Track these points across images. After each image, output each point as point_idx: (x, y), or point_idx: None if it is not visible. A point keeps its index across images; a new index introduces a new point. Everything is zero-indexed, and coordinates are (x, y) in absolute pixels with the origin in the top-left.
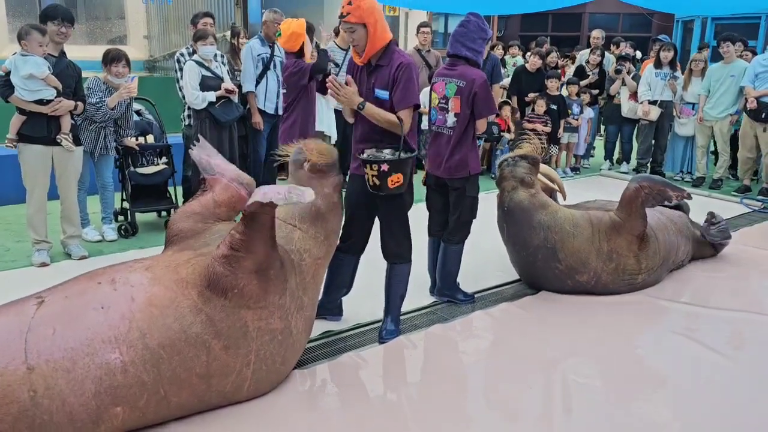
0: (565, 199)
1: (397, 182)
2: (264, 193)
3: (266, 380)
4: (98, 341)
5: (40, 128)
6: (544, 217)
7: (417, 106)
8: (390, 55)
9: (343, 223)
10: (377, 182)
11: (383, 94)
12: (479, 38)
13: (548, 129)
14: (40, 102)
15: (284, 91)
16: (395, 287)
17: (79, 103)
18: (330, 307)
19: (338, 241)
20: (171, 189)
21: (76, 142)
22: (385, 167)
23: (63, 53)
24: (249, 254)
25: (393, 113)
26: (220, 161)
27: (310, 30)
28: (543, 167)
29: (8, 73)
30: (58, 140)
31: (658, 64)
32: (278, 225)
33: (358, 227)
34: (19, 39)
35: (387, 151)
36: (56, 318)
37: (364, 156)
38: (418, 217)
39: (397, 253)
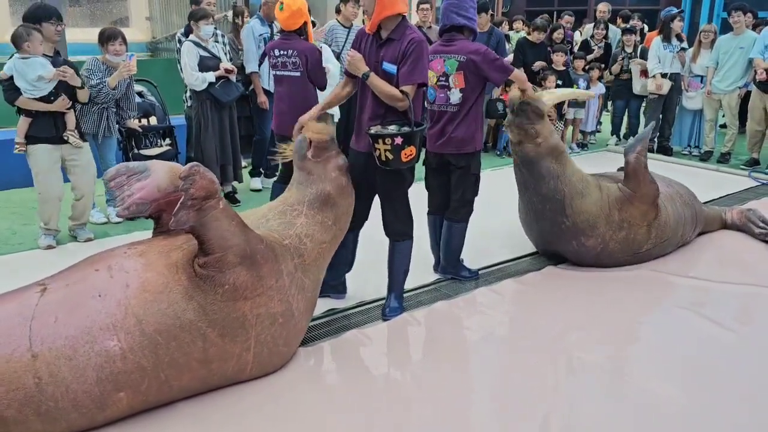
0: (593, 97)
1: (410, 155)
2: (176, 219)
3: (269, 362)
4: (96, 329)
5: (47, 128)
6: (553, 165)
7: (423, 85)
8: (402, 30)
9: (353, 201)
10: (390, 156)
11: (391, 67)
12: (470, 6)
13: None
14: (47, 99)
15: (294, 72)
16: (398, 264)
17: (84, 90)
18: (334, 284)
19: (349, 220)
20: None
21: (81, 138)
22: (398, 140)
23: (57, 52)
24: (226, 250)
25: (398, 88)
26: (139, 191)
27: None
28: (551, 95)
29: (8, 78)
30: (65, 138)
31: (666, 37)
32: (284, 211)
33: (358, 203)
34: (16, 42)
35: (392, 127)
36: (58, 306)
37: (373, 131)
38: (420, 195)
39: (399, 230)
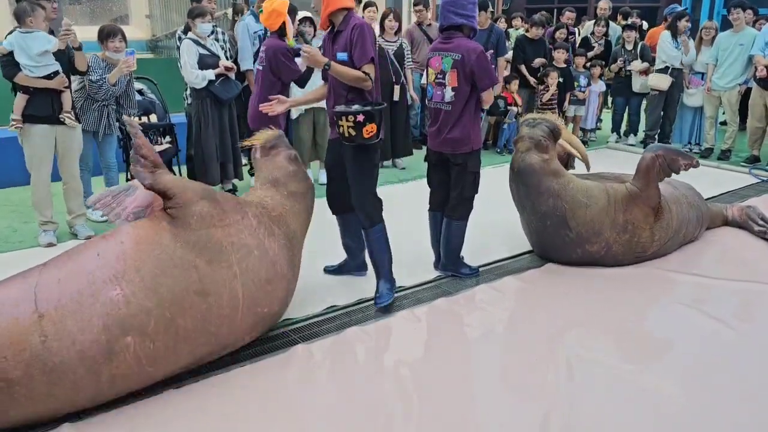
0: (588, 169)
1: (372, 132)
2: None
3: (257, 299)
4: (99, 282)
5: (45, 107)
6: (554, 185)
7: (373, 59)
8: (347, 21)
9: (310, 185)
10: (353, 133)
11: (343, 56)
12: (469, 3)
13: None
14: (48, 77)
15: (260, 67)
16: (376, 251)
17: (81, 52)
18: (355, 264)
19: (311, 201)
20: (175, 168)
21: (77, 119)
22: (360, 117)
23: (51, 31)
24: (181, 192)
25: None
26: (132, 203)
27: (293, 11)
28: (567, 134)
29: (8, 54)
30: (61, 119)
31: (674, 34)
32: (247, 194)
33: (336, 188)
34: (19, 17)
35: (356, 106)
36: (59, 271)
37: (337, 109)
38: (421, 191)
39: (366, 210)
